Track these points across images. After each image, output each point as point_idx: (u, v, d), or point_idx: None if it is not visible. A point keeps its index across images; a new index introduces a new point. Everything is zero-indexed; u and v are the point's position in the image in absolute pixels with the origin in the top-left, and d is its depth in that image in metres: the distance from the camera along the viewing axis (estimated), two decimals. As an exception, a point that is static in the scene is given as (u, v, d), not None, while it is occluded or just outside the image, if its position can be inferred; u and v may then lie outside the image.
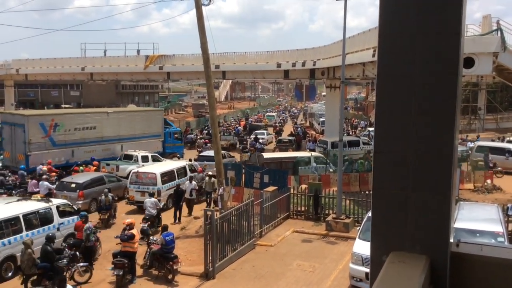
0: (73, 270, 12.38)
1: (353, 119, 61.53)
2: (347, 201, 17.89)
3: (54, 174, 22.64)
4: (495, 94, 47.00)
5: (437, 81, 1.41)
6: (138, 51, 62.79)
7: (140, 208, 18.59)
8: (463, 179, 22.47)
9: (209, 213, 12.94)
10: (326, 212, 18.05)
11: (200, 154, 30.88)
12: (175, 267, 12.54)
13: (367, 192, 20.61)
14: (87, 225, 13.65)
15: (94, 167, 24.49)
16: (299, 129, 48.68)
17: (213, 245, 12.78)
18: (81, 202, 18.72)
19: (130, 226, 13.02)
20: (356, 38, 28.39)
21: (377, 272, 1.41)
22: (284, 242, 15.58)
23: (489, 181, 22.93)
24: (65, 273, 11.91)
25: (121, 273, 12.14)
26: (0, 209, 13.63)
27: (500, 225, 12.24)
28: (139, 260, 13.35)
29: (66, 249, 12.78)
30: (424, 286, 1.34)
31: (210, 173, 21.16)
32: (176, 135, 33.82)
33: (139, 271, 13.05)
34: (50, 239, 12.25)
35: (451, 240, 1.50)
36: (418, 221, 1.48)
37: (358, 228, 14.98)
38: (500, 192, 21.76)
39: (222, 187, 16.68)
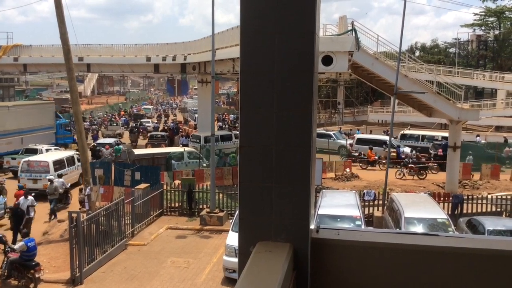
0: None
1: (225, 114, 62.63)
2: (221, 195, 18.17)
3: None
4: (352, 90, 51.60)
5: (295, 77, 1.47)
6: (-11, 40, 56.28)
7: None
8: (325, 168, 24.23)
9: (74, 215, 12.15)
10: (200, 206, 18.13)
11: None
12: (37, 275, 11.59)
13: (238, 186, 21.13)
14: None
15: None
16: (171, 124, 48.09)
17: (79, 249, 12.03)
18: None
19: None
20: (226, 34, 28.87)
21: (245, 262, 1.43)
22: (157, 240, 15.29)
23: (348, 169, 25.08)
24: None
25: (-29, 287, 10.85)
26: None
27: (358, 210, 13.48)
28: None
29: None
30: (287, 272, 1.38)
31: (50, 176, 19.21)
32: (66, 127, 34.87)
33: (-6, 283, 11.79)
34: None
35: (312, 227, 1.58)
36: (282, 211, 1.53)
37: (231, 220, 15.32)
38: (358, 180, 23.93)
39: (89, 187, 15.81)
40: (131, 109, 70.15)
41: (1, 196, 18.47)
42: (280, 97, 1.48)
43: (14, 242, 13.91)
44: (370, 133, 38.24)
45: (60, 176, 19.79)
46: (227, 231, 13.96)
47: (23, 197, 15.81)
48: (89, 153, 27.87)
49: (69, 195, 19.87)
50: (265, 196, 1.54)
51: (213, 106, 19.67)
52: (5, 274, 11.95)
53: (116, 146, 29.29)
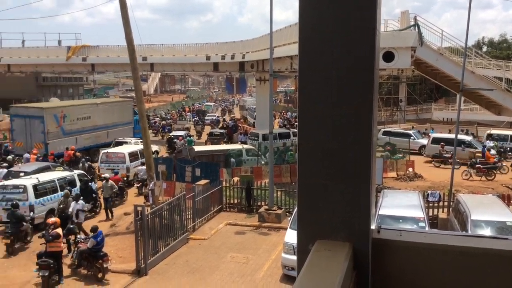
0: None
1: (283, 112, 62.53)
2: (279, 192, 18.22)
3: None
4: (415, 87, 49.84)
5: (354, 74, 1.47)
6: (59, 41, 59.47)
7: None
8: (386, 168, 23.62)
9: (139, 208, 12.66)
10: (259, 203, 18.28)
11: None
12: (105, 265, 12.17)
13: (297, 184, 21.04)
14: None
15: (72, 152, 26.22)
16: (230, 122, 48.73)
17: (144, 241, 12.53)
18: None
19: (55, 225, 12.43)
20: (284, 32, 28.83)
21: (304, 260, 1.45)
22: (217, 235, 15.60)
23: (410, 169, 24.29)
24: None
25: (46, 274, 11.57)
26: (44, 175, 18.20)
27: (421, 211, 13.05)
28: (67, 259, 12.82)
29: None
30: (348, 272, 1.39)
31: (106, 175, 19.64)
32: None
33: (67, 271, 12.52)
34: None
35: (373, 227, 1.58)
36: (341, 210, 1.54)
37: (289, 218, 15.33)
38: (421, 180, 23.12)
39: (153, 182, 16.38)
40: (193, 106, 74.02)
41: (93, 182, 19.72)
42: (339, 94, 1.48)
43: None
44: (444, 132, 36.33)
45: (143, 164, 20.56)
46: (286, 228, 13.99)
47: (74, 201, 15.41)
48: (166, 144, 33.14)
49: (125, 192, 20.58)
50: (324, 194, 1.55)
51: (271, 104, 19.74)
52: (76, 263, 12.67)
53: (188, 138, 33.71)
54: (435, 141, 28.47)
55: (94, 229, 12.76)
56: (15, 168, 21.32)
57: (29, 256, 13.70)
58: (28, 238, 14.90)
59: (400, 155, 26.19)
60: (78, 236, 13.41)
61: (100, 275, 12.15)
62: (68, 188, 17.16)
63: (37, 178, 17.36)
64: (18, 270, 12.95)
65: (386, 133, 31.23)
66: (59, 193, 17.05)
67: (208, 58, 39.93)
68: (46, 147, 26.67)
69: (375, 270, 1.56)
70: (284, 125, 44.09)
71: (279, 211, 16.88)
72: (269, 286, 11.68)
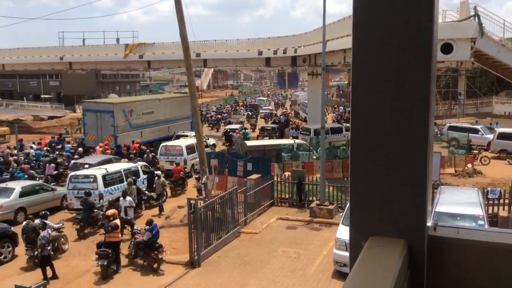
0: None
1: (336, 106, 61.76)
2: (331, 188, 18.05)
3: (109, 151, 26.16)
4: (475, 80, 47.65)
5: (411, 66, 1.42)
6: (118, 39, 61.72)
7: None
8: (444, 163, 22.81)
9: (192, 202, 12.94)
10: (310, 199, 18.19)
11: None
12: (160, 256, 12.54)
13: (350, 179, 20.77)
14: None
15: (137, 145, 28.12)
16: (281, 117, 48.73)
17: (197, 233, 12.80)
18: None
19: (114, 216, 12.96)
20: (337, 25, 28.42)
21: (356, 256, 1.43)
22: (268, 229, 15.69)
23: (469, 165, 23.33)
24: None
25: (105, 263, 12.11)
26: (112, 166, 19.61)
27: (480, 209, 12.51)
28: (124, 249, 13.32)
29: None
30: (402, 270, 1.36)
31: (158, 172, 19.94)
32: None
33: (124, 260, 13.02)
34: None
35: (429, 224, 1.53)
36: (396, 206, 1.50)
37: (341, 214, 15.16)
38: (481, 176, 22.17)
39: (206, 176, 16.68)
40: (245, 101, 75.75)
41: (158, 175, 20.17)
42: (395, 87, 1.45)
43: None
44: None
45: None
46: (337, 224, 13.85)
47: (122, 198, 15.67)
48: (223, 138, 34.75)
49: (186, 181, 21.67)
50: (378, 189, 1.52)
51: (323, 98, 19.55)
52: (132, 254, 13.16)
53: (243, 131, 36.02)
54: (502, 136, 27.07)
55: (150, 222, 13.18)
56: (80, 160, 22.76)
57: (89, 245, 14.38)
58: (99, 224, 15.64)
59: (463, 151, 25.18)
60: (135, 227, 13.89)
61: (155, 265, 12.55)
62: (133, 178, 18.54)
63: (106, 169, 18.76)
64: (79, 260, 13.62)
65: (452, 128, 30.04)
66: (125, 183, 18.08)
67: (260, 53, 40.06)
68: (115, 140, 28.52)
69: (431, 268, 1.52)
70: (338, 119, 43.58)
71: (331, 207, 16.73)
72: (321, 282, 11.61)
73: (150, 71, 77.72)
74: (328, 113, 51.20)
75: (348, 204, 13.71)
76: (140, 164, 21.12)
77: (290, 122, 43.99)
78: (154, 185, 18.86)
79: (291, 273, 12.16)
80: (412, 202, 1.49)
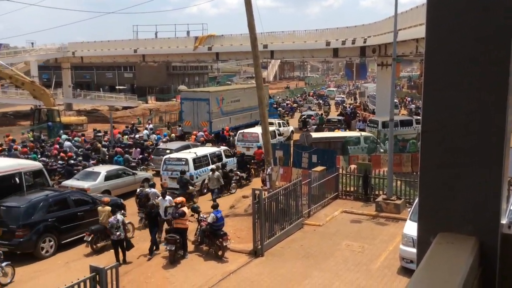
0: None
1: (406, 98, 59.73)
2: (398, 182, 17.53)
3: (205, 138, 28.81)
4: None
5: (488, 55, 1.35)
6: (188, 32, 63.35)
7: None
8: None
9: (257, 192, 13.09)
10: (376, 192, 17.79)
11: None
12: (224, 244, 12.83)
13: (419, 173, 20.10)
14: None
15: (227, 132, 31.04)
16: (348, 109, 47.89)
17: (261, 223, 12.95)
18: None
19: (181, 204, 13.41)
20: (409, 13, 27.39)
21: (424, 253, 1.39)
22: (332, 222, 15.55)
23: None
24: None
25: (173, 248, 12.59)
26: (200, 150, 21.90)
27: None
28: (191, 236, 13.75)
29: None
30: (472, 268, 1.31)
31: (214, 166, 19.73)
32: (274, 105, 45.37)
33: (190, 247, 13.46)
34: None
35: (503, 222, 1.45)
36: (467, 201, 1.44)
37: (409, 209, 14.71)
38: None
39: (270, 167, 16.78)
40: (312, 92, 77.03)
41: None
42: (470, 78, 1.38)
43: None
44: None
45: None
46: (405, 219, 13.45)
47: (161, 197, 15.10)
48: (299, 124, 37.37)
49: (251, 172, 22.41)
50: (449, 184, 1.47)
51: (393, 89, 18.93)
52: (198, 240, 13.57)
53: (319, 117, 39.47)
54: None
55: (215, 206, 13.56)
56: (162, 146, 25.02)
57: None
58: (194, 200, 17.63)
59: None
60: (201, 215, 14.29)
61: (220, 252, 12.86)
62: (225, 161, 21.11)
63: (195, 153, 20.79)
64: (148, 243, 14.23)
65: None
66: (210, 166, 19.90)
67: (328, 43, 39.53)
68: (210, 125, 31.51)
69: (504, 268, 1.44)
70: (411, 112, 42.20)
71: (398, 201, 16.26)
72: (386, 277, 11.36)
73: (218, 62, 79.22)
74: (401, 107, 49.76)
75: (416, 199, 13.27)
76: (222, 148, 23.00)
77: (357, 114, 43.14)
78: (208, 178, 18.99)
79: (355, 267, 11.99)
80: (486, 199, 1.42)
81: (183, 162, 19.66)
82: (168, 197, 15.00)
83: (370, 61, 48.14)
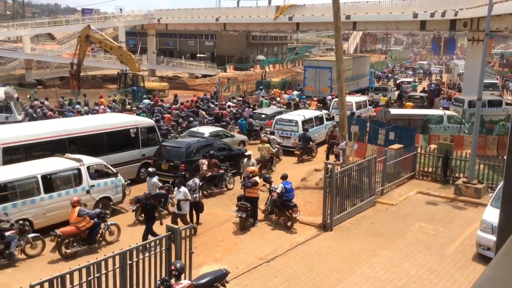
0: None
1: (497, 77, 55.65)
2: (481, 166, 16.56)
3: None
4: None
5: None
6: (269, 1, 63.04)
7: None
8: None
9: (329, 166, 12.97)
10: (456, 175, 16.95)
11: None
12: (294, 215, 12.94)
13: (505, 157, 18.85)
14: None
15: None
16: (432, 85, 45.54)
17: (332, 198, 12.87)
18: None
19: (253, 173, 13.65)
20: (509, -16, 25.18)
21: (504, 241, 1.31)
22: (406, 202, 15.11)
23: None
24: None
25: (244, 215, 12.93)
26: (306, 112, 25.17)
27: None
28: (261, 205, 14.02)
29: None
30: None
31: (248, 152, 17.64)
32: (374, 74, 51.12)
33: (260, 215, 13.73)
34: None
35: None
36: None
37: (491, 194, 13.91)
38: None
39: (345, 142, 16.52)
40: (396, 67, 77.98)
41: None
42: None
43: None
44: None
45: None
46: (485, 205, 12.77)
47: (176, 187, 13.15)
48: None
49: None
50: None
51: (483, 67, 17.67)
52: (268, 210, 13.80)
53: (413, 83, 45.06)
54: None
55: (284, 176, 13.64)
56: (258, 110, 28.37)
57: (230, 198, 15.43)
58: (313, 154, 21.59)
59: None
60: (273, 185, 14.46)
61: (289, 223, 13.01)
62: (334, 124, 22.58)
63: (303, 115, 23.51)
64: (221, 209, 14.73)
65: None
66: (315, 127, 23.38)
67: (415, 15, 37.59)
68: (331, 90, 35.19)
69: None
70: None
71: (480, 186, 15.41)
72: (459, 263, 10.92)
73: (298, 33, 78.26)
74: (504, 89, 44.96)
75: (500, 185, 12.49)
76: (324, 112, 25.93)
77: (442, 92, 40.96)
78: (241, 168, 17.33)
79: (428, 249, 11.63)
80: None
81: (293, 123, 22.46)
82: (183, 188, 12.74)
83: (459, 36, 45.19)
